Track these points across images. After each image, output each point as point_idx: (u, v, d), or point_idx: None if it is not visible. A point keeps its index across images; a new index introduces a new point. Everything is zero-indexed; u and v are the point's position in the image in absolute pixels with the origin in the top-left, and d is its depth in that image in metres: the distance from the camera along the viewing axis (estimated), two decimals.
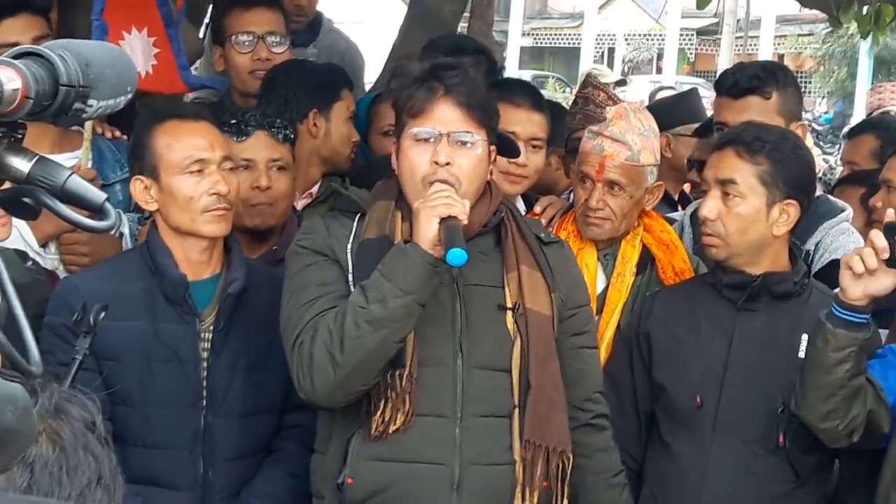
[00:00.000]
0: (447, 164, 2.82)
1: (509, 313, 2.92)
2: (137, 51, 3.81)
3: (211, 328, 3.13)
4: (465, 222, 2.74)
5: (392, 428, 2.85)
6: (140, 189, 3.14)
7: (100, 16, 3.71)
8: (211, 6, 5.13)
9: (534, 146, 3.71)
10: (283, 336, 2.91)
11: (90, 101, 1.15)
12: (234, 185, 3.14)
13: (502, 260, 2.97)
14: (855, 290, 2.93)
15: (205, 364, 3.11)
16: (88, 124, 3.53)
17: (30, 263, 3.19)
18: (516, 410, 2.90)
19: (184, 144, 3.10)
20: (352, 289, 2.84)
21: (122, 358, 3.05)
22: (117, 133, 3.73)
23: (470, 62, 2.98)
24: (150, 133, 3.13)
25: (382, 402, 2.85)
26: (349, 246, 2.91)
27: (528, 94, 3.80)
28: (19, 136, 1.14)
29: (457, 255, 2.65)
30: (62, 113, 1.13)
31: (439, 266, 2.74)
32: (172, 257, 3.11)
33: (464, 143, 2.85)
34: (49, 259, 3.43)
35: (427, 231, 2.72)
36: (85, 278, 3.17)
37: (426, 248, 2.73)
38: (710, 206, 3.19)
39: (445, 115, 2.84)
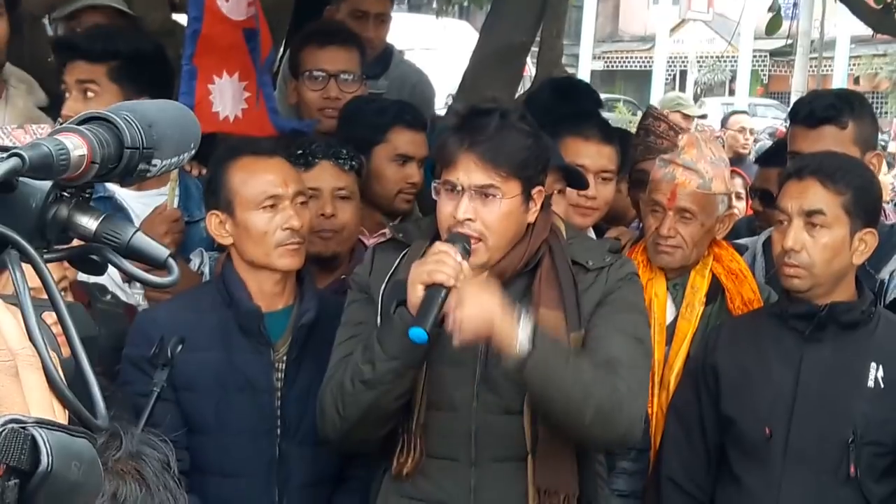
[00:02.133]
0: (467, 219, 2.81)
1: None
2: (227, 94, 3.88)
3: (284, 358, 3.20)
4: (458, 285, 2.69)
5: (405, 471, 2.91)
6: (215, 223, 3.22)
7: (190, 60, 3.79)
8: (285, 38, 5.20)
9: (603, 178, 3.73)
10: None
11: (154, 161, 1.19)
12: (306, 219, 3.22)
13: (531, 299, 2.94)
14: None
15: (279, 393, 3.17)
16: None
17: (108, 297, 3.26)
18: (530, 456, 2.90)
19: (258, 180, 3.17)
20: None
21: (198, 388, 3.12)
22: (204, 170, 3.80)
23: (511, 107, 2.93)
24: (225, 169, 3.21)
25: (400, 444, 2.91)
26: (384, 284, 2.93)
27: (596, 126, 3.82)
28: (87, 195, 1.18)
29: (415, 334, 2.64)
30: (127, 174, 1.17)
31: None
32: (247, 289, 3.18)
33: (487, 196, 2.82)
34: (134, 294, 3.50)
35: (412, 297, 2.71)
36: (163, 311, 3.25)
37: (412, 314, 2.71)
38: (796, 237, 3.17)
39: (468, 168, 2.81)
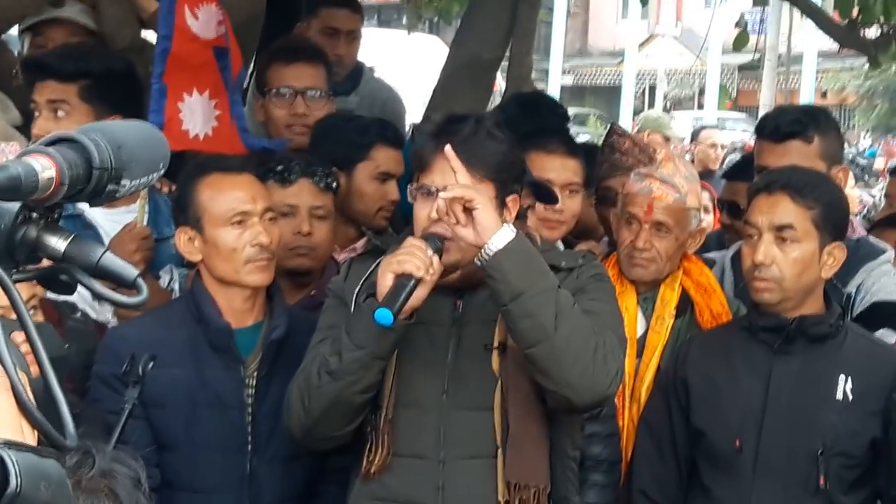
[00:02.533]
0: (441, 219, 2.81)
1: (495, 353, 2.91)
2: (198, 113, 3.87)
3: (255, 374, 3.19)
4: (427, 277, 2.72)
5: (373, 469, 2.90)
6: (184, 240, 3.22)
7: (159, 79, 3.77)
8: (254, 56, 5.20)
9: (570, 191, 3.75)
10: None
11: (123, 182, 1.20)
12: (275, 235, 3.22)
13: None
14: None
15: (249, 409, 3.17)
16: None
17: (78, 314, 3.25)
18: (499, 451, 2.89)
19: (226, 197, 3.18)
20: None
21: (168, 405, 3.11)
22: (173, 188, 3.79)
23: (487, 115, 2.97)
24: (193, 186, 3.22)
25: (369, 442, 2.91)
26: (358, 288, 2.94)
27: (560, 140, 3.83)
28: (56, 216, 1.18)
29: (381, 315, 2.67)
30: (96, 195, 1.18)
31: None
32: (216, 306, 3.19)
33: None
34: (104, 312, 3.49)
35: (381, 287, 2.73)
36: (132, 327, 3.24)
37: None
38: (766, 252, 3.18)
39: (443, 170, 2.82)
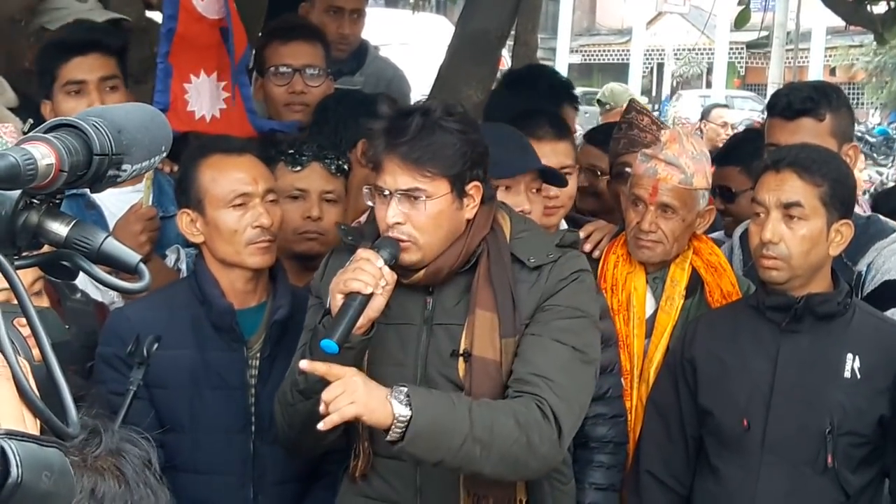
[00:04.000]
0: (396, 223, 2.79)
1: (461, 360, 2.87)
2: (205, 94, 3.86)
3: (258, 355, 3.20)
4: (378, 291, 2.69)
5: (357, 472, 2.92)
6: (186, 222, 3.22)
7: (165, 59, 3.76)
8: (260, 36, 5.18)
9: (563, 174, 3.72)
10: None
11: (124, 167, 1.19)
12: (276, 217, 3.21)
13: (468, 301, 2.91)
14: None
15: (253, 390, 3.18)
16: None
17: (79, 295, 3.25)
18: None
19: (228, 178, 3.17)
20: None
21: (171, 386, 3.12)
22: (176, 168, 3.79)
23: (434, 105, 2.88)
24: (195, 167, 3.21)
25: (355, 444, 2.93)
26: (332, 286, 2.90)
27: (549, 124, 3.77)
28: (57, 202, 1.17)
29: (326, 345, 2.64)
30: (97, 181, 1.17)
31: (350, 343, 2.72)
32: (219, 287, 3.19)
33: (415, 199, 2.79)
34: (108, 292, 3.49)
35: (333, 307, 2.72)
36: (135, 309, 3.23)
37: None
38: (774, 230, 3.17)
39: (393, 172, 2.78)
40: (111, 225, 3.57)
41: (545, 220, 3.56)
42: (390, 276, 2.74)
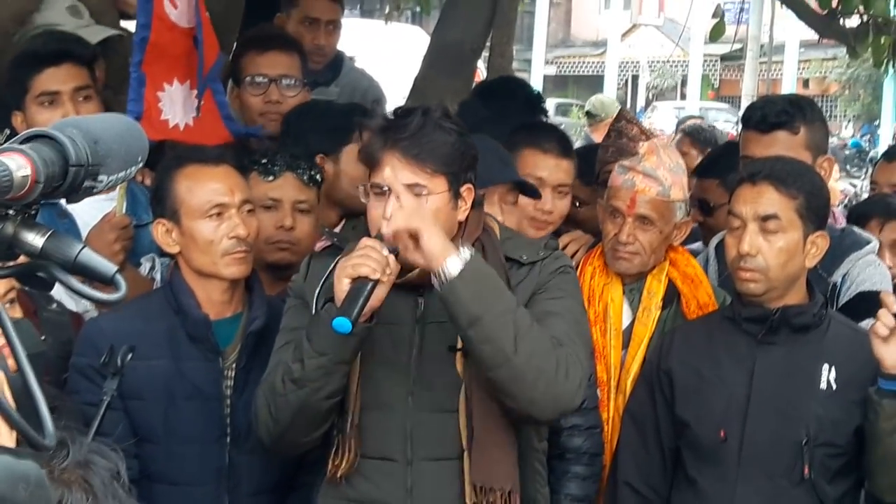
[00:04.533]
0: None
1: (458, 354, 2.89)
2: (178, 102, 3.84)
3: (234, 366, 3.19)
4: (384, 278, 2.70)
5: (339, 472, 2.89)
6: (162, 232, 3.20)
7: (138, 68, 3.74)
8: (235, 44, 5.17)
9: (560, 192, 3.75)
10: None
11: (100, 178, 1.18)
12: (253, 227, 3.20)
13: None
14: (890, 356, 2.97)
15: (228, 401, 3.16)
16: None
17: (54, 305, 3.23)
18: (466, 453, 2.88)
19: (204, 189, 3.16)
20: None
21: (146, 396, 3.10)
22: (147, 181, 3.77)
23: (434, 106, 2.91)
24: (171, 177, 3.20)
25: (335, 445, 2.89)
26: (318, 289, 2.91)
27: (556, 140, 3.83)
28: (33, 213, 1.17)
29: (338, 324, 2.65)
30: (73, 192, 1.17)
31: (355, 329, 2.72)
32: (195, 297, 3.17)
33: (415, 195, 2.80)
34: (82, 302, 3.47)
35: (338, 291, 2.71)
36: (110, 319, 3.22)
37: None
38: (751, 242, 3.18)
39: (394, 167, 2.80)
40: (84, 234, 3.56)
41: (532, 233, 3.60)
42: (395, 266, 2.74)
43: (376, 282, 2.68)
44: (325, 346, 2.75)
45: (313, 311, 2.87)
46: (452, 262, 2.69)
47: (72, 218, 3.63)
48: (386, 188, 2.79)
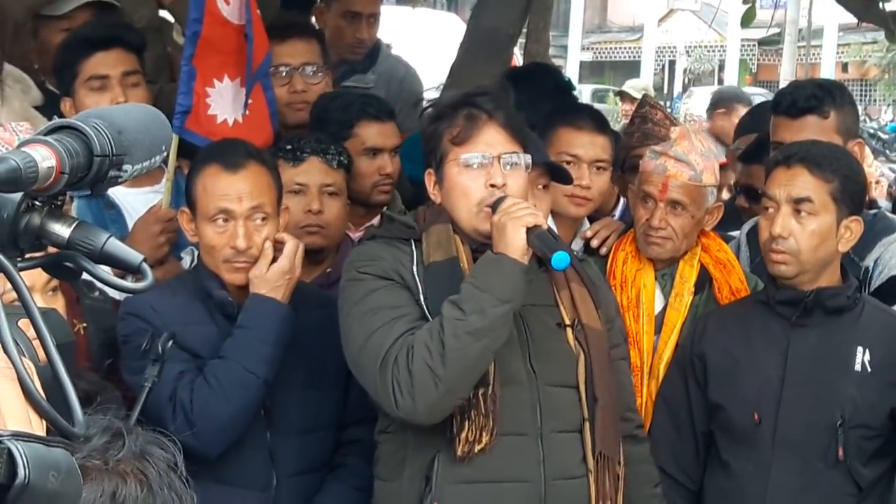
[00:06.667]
0: (504, 184, 2.86)
1: (569, 330, 2.98)
2: (227, 99, 3.84)
3: None
4: (544, 226, 2.81)
5: (477, 447, 2.87)
6: (186, 220, 3.26)
7: (189, 61, 3.75)
8: None
9: (598, 168, 3.75)
10: (359, 359, 2.90)
11: (125, 167, 1.19)
12: (258, 238, 3.17)
13: (550, 279, 3.03)
14: None
15: None
16: (171, 162, 3.60)
17: (96, 293, 3.26)
18: (586, 424, 2.95)
19: (215, 194, 3.17)
20: (425, 311, 2.88)
21: (203, 356, 3.13)
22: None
23: (498, 88, 3.02)
24: (196, 172, 3.24)
25: (467, 422, 2.87)
26: (415, 269, 2.95)
27: (590, 117, 3.84)
28: (59, 203, 1.18)
29: (561, 258, 2.73)
30: (98, 182, 1.18)
31: (531, 274, 2.83)
32: (219, 279, 3.20)
33: (513, 165, 2.91)
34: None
35: (516, 241, 2.77)
36: (149, 295, 3.18)
37: (516, 258, 2.78)
38: (784, 224, 3.18)
39: (493, 139, 2.90)
40: (130, 225, 3.59)
41: (573, 210, 3.65)
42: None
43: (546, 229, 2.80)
44: (510, 291, 2.78)
45: (422, 291, 2.91)
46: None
47: (118, 209, 3.66)
48: (489, 157, 2.89)
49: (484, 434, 2.86)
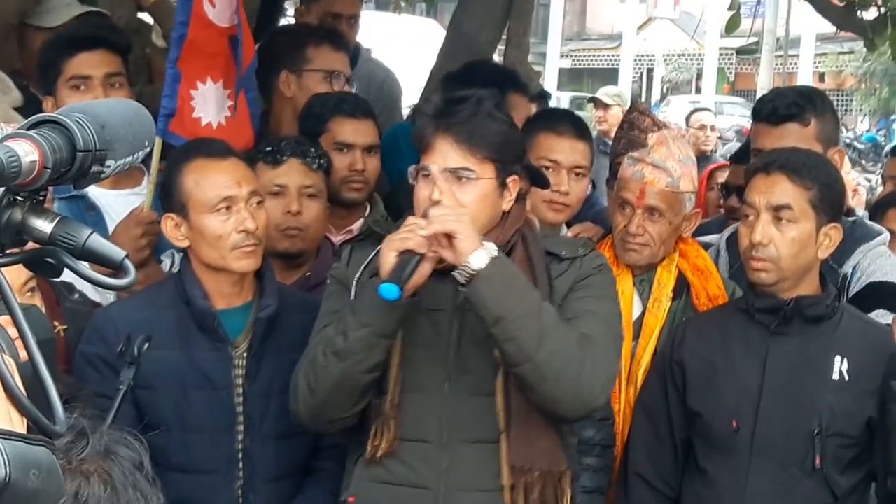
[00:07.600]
0: (438, 201, 2.81)
1: None
2: (211, 101, 3.83)
3: (245, 354, 3.19)
4: (430, 254, 2.74)
5: (380, 452, 2.91)
6: (171, 227, 3.20)
7: (174, 64, 3.73)
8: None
9: (577, 174, 3.75)
10: None
11: (108, 163, 1.19)
12: (262, 220, 3.19)
13: None
14: None
15: (240, 390, 3.17)
16: (154, 164, 3.58)
17: (76, 295, 3.24)
18: (503, 436, 2.90)
19: (211, 183, 3.15)
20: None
21: (157, 386, 3.11)
22: None
23: (487, 95, 2.95)
24: (178, 171, 3.19)
25: (373, 427, 2.92)
26: (358, 274, 2.95)
27: (570, 122, 3.85)
28: (41, 199, 1.17)
29: (386, 290, 2.69)
30: (80, 177, 1.17)
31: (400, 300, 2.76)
32: (202, 288, 3.18)
33: (462, 179, 2.85)
34: (104, 293, 3.48)
35: (385, 265, 2.74)
36: (120, 308, 3.23)
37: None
38: (764, 231, 3.18)
39: (444, 151, 2.85)
40: (111, 227, 3.57)
41: (551, 216, 3.63)
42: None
43: (422, 256, 2.73)
44: (370, 317, 2.79)
45: (352, 292, 2.91)
46: (478, 255, 2.72)
47: (99, 211, 3.64)
48: (434, 170, 2.84)
49: (384, 440, 2.91)
